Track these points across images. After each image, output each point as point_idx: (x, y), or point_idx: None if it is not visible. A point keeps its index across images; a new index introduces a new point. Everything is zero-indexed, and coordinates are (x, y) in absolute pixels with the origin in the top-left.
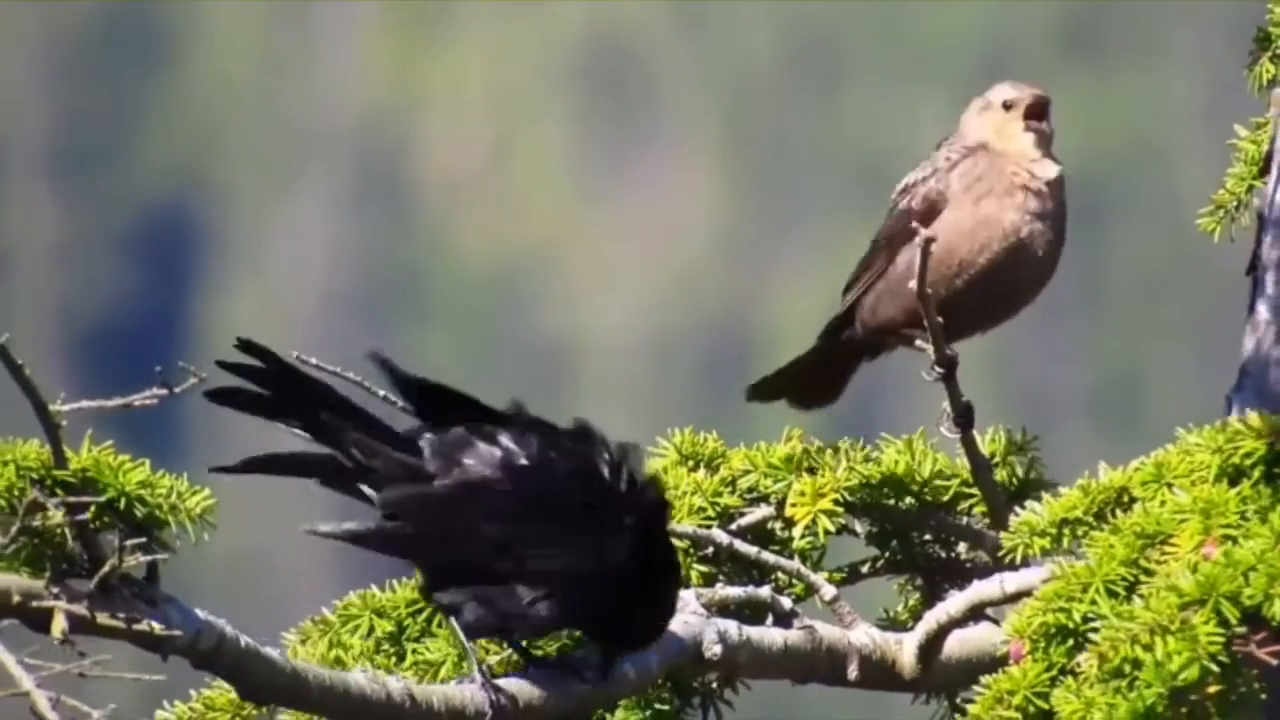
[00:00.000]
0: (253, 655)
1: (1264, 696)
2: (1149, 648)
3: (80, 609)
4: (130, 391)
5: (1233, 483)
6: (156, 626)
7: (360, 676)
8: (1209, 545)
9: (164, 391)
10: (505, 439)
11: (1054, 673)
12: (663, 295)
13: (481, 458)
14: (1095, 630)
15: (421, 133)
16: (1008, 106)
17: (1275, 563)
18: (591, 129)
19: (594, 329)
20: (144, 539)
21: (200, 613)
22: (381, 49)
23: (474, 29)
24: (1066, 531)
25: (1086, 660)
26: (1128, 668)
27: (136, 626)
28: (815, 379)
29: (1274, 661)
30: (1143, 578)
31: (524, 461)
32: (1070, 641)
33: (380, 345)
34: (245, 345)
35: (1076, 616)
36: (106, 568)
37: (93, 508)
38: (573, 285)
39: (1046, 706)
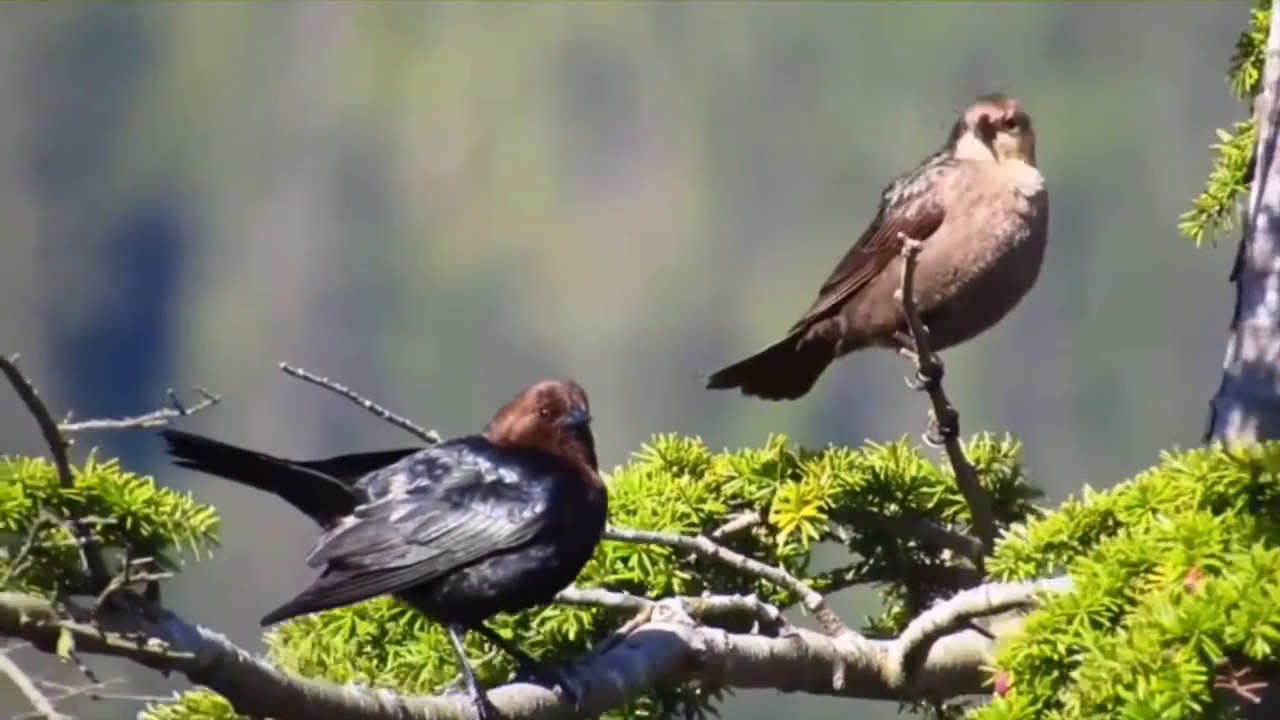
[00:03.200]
0: (250, 670)
1: None
2: (1131, 686)
3: (89, 628)
4: (118, 396)
5: (1216, 510)
6: (162, 645)
7: (354, 689)
8: (1192, 576)
9: (175, 413)
10: (406, 466)
11: (1039, 706)
12: (643, 299)
13: (398, 484)
14: (1079, 663)
15: (402, 137)
16: (967, 127)
17: (1257, 600)
18: (572, 133)
19: (575, 333)
20: (150, 558)
21: (200, 629)
22: (362, 53)
23: (455, 33)
24: (1051, 556)
25: (1069, 699)
26: (1110, 704)
27: (147, 645)
28: (783, 371)
29: (1256, 699)
30: (1127, 607)
31: (427, 480)
32: (1055, 673)
33: (362, 348)
34: (178, 441)
35: (1061, 649)
36: (113, 585)
37: (99, 526)
38: (553, 289)
39: None
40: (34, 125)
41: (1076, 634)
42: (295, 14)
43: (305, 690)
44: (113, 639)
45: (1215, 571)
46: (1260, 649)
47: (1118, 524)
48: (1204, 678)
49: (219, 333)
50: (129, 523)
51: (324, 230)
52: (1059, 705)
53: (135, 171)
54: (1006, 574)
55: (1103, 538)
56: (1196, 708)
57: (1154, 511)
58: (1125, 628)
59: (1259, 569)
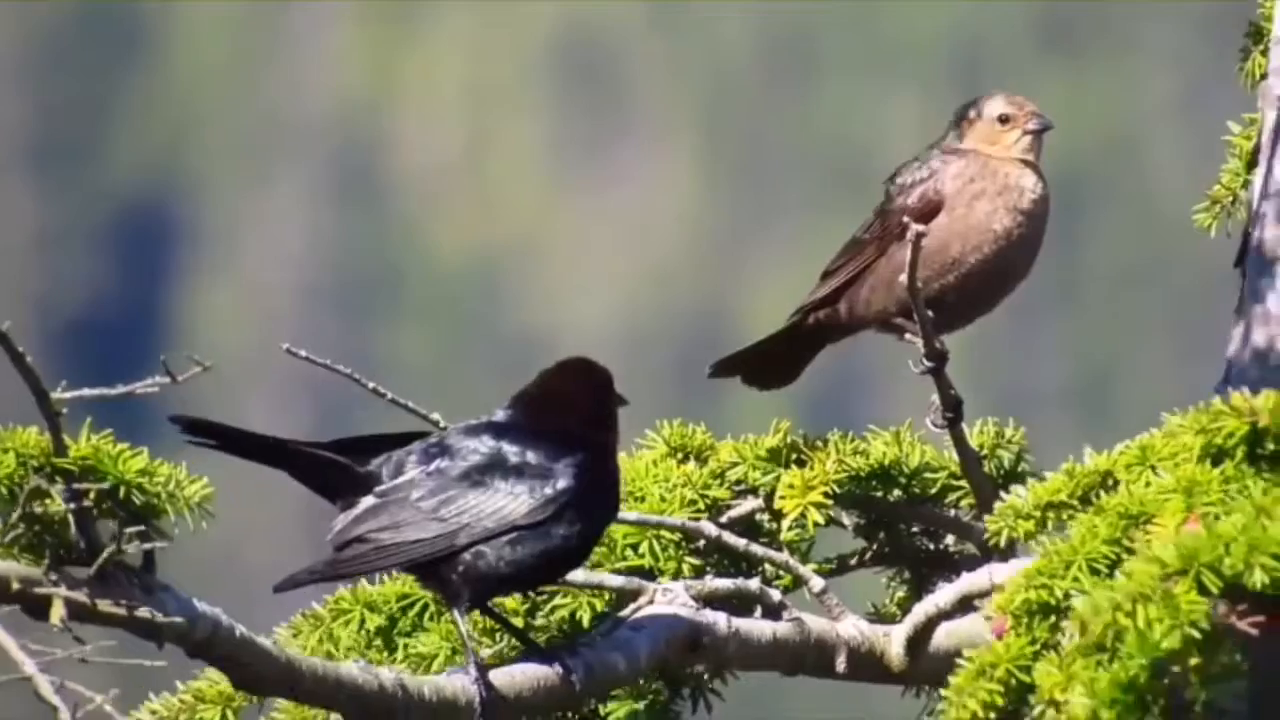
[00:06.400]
0: (247, 644)
1: (1245, 668)
2: (1131, 614)
3: (80, 596)
4: (113, 385)
5: (1215, 463)
6: (155, 614)
7: (353, 667)
8: (1191, 522)
9: (166, 379)
10: (419, 448)
11: (1037, 647)
12: (639, 289)
13: (413, 465)
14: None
15: (397, 127)
16: (1004, 120)
17: (1257, 534)
18: (567, 123)
19: (570, 322)
20: (142, 527)
21: (196, 602)
22: (357, 43)
23: (450, 23)
24: (1051, 515)
25: (1068, 625)
26: (1110, 640)
27: (137, 613)
28: (777, 360)
29: (1255, 632)
30: (1125, 555)
31: (445, 461)
32: (1053, 618)
33: (356, 338)
34: (189, 425)
35: (1059, 593)
36: (106, 554)
37: (93, 495)
38: (549, 279)
39: (1028, 680)
40: (29, 115)
41: (1075, 579)
42: (290, 4)
43: (303, 666)
44: (104, 606)
45: (1215, 518)
46: (1258, 579)
47: (1117, 483)
48: (1203, 606)
49: (214, 322)
50: (122, 492)
51: (319, 220)
52: (1056, 648)
53: (130, 162)
54: (1005, 532)
55: (1101, 495)
56: (1196, 635)
57: (1153, 469)
58: (1124, 574)
59: (1258, 508)
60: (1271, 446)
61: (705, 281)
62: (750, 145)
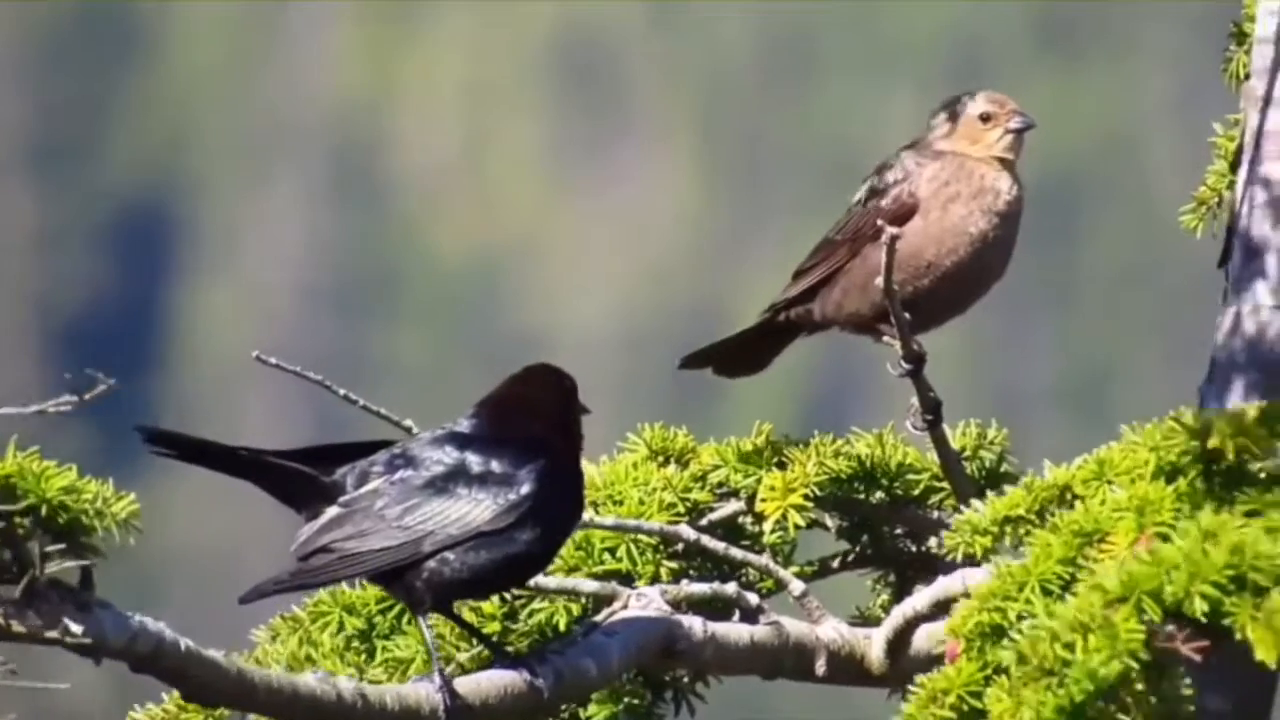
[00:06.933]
0: (194, 658)
1: (1191, 692)
2: (1070, 645)
3: None
4: (111, 383)
5: (1169, 480)
6: (75, 631)
7: (310, 678)
8: (1143, 542)
9: (75, 398)
10: (384, 457)
11: (988, 672)
12: (636, 289)
13: (378, 475)
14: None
15: (396, 127)
16: (986, 119)
17: (1199, 560)
18: (566, 124)
19: (567, 323)
20: (64, 545)
21: (141, 617)
22: (356, 43)
23: (449, 24)
24: (1009, 530)
25: (1007, 656)
26: (1057, 666)
27: (49, 633)
28: (747, 352)
29: (1198, 658)
30: (1080, 575)
31: (409, 471)
32: (1005, 640)
33: (355, 338)
34: (152, 436)
35: (1011, 615)
36: (28, 575)
37: (15, 514)
38: (546, 279)
39: (980, 705)
40: (29, 114)
41: (1027, 601)
42: (290, 5)
43: (256, 679)
44: (16, 626)
45: (1165, 538)
46: (1198, 607)
47: (1075, 497)
48: (1141, 635)
49: (212, 322)
50: (44, 510)
51: (318, 220)
52: (1008, 671)
53: (129, 161)
54: (962, 548)
55: (1059, 511)
56: (1134, 665)
57: (1110, 483)
58: (1075, 595)
59: (1204, 533)
60: (1225, 463)
61: (703, 281)
62: (749, 145)
